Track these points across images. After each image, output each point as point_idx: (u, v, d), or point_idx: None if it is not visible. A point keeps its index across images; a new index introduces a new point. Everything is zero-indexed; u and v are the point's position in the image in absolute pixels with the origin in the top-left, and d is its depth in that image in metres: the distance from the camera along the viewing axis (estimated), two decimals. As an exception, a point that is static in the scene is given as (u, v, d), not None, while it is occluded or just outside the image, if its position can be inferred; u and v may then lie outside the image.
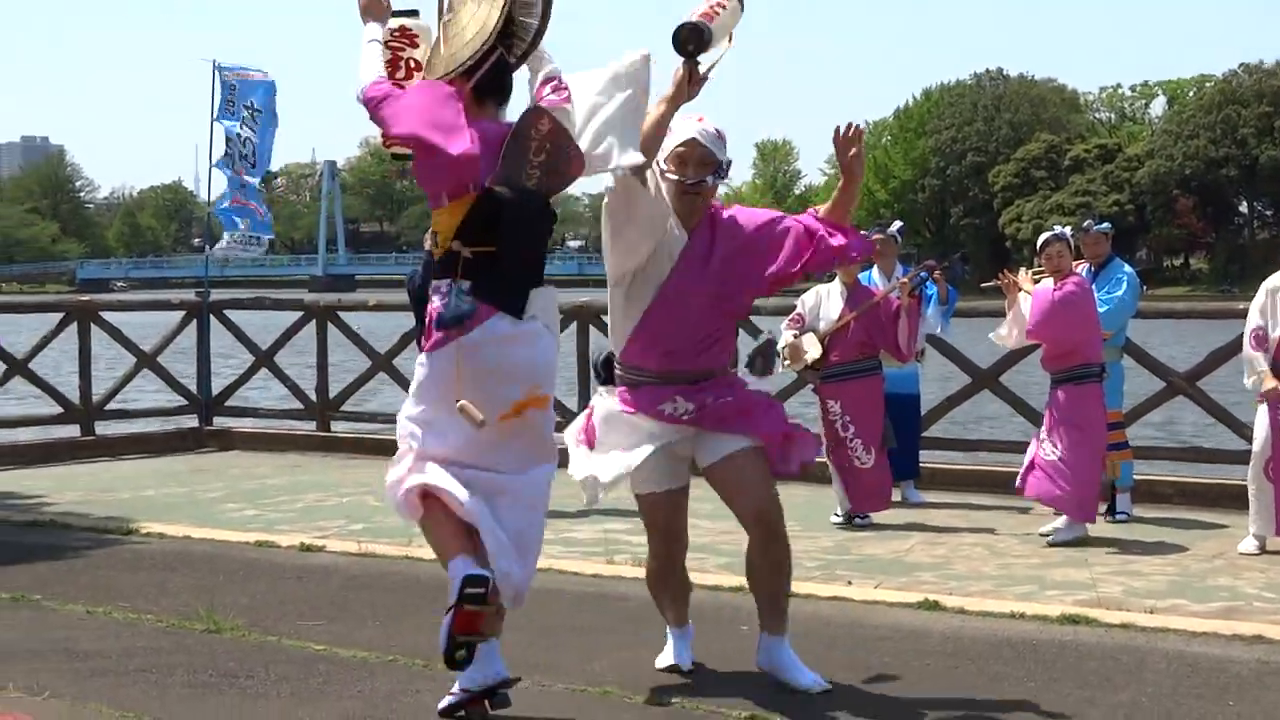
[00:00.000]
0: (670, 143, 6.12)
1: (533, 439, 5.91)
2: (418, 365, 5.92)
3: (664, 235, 6.13)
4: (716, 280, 6.15)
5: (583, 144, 5.89)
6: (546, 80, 6.02)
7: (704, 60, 5.98)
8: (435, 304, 5.84)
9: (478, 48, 5.86)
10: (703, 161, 6.12)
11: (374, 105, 5.86)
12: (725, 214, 6.29)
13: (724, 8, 6.02)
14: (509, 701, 5.91)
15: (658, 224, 6.12)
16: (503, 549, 5.74)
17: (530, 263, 5.86)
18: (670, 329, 6.15)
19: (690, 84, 5.97)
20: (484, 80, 5.90)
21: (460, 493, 5.72)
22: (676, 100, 6.01)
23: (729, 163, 6.19)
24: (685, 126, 6.12)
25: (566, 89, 5.97)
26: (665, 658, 6.54)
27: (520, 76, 6.12)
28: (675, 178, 6.12)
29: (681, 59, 5.93)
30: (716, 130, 6.17)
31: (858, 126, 6.08)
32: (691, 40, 5.88)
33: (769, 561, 6.18)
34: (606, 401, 6.30)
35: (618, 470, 6.14)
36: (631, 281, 6.20)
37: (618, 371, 6.34)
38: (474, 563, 5.69)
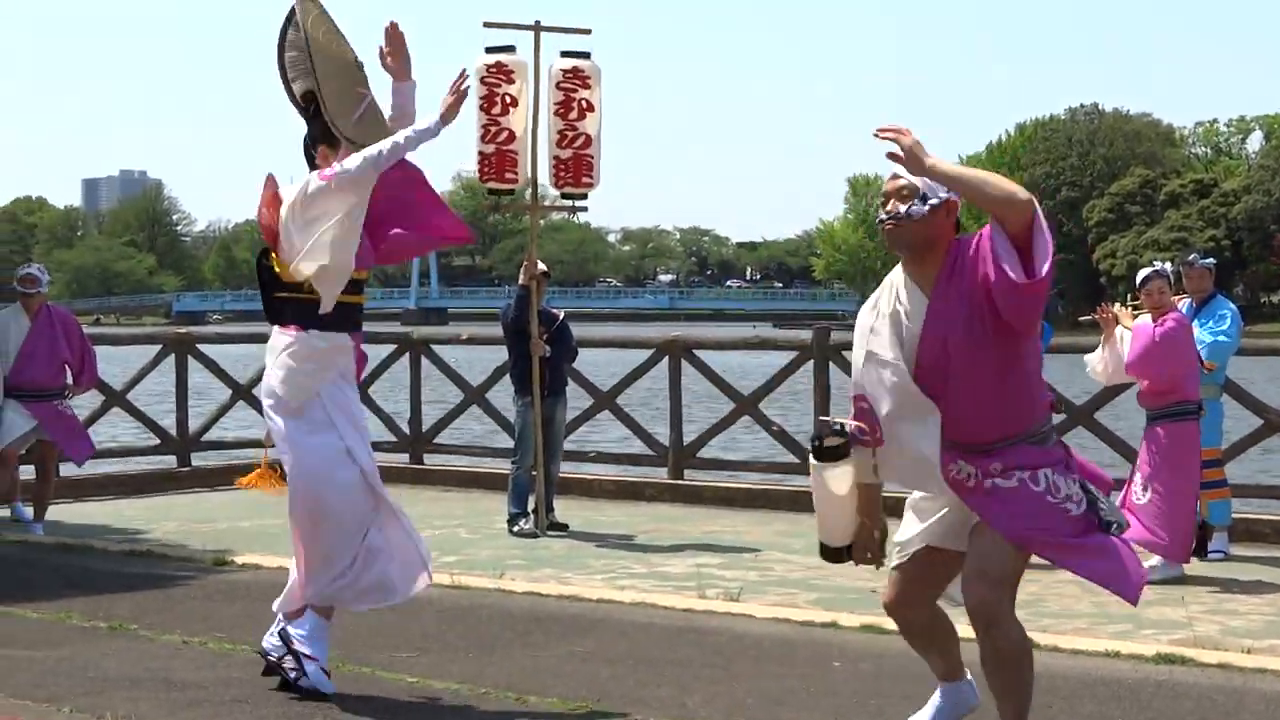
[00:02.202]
0: None
1: None
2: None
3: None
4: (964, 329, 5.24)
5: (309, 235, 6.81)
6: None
7: None
8: None
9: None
10: (902, 193, 5.27)
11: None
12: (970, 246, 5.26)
13: None
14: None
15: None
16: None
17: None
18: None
19: None
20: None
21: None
22: None
23: (942, 199, 5.23)
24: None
25: (333, 174, 6.68)
26: None
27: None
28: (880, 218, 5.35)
29: None
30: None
31: (880, 129, 5.11)
32: None
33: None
34: None
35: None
36: None
37: None
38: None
